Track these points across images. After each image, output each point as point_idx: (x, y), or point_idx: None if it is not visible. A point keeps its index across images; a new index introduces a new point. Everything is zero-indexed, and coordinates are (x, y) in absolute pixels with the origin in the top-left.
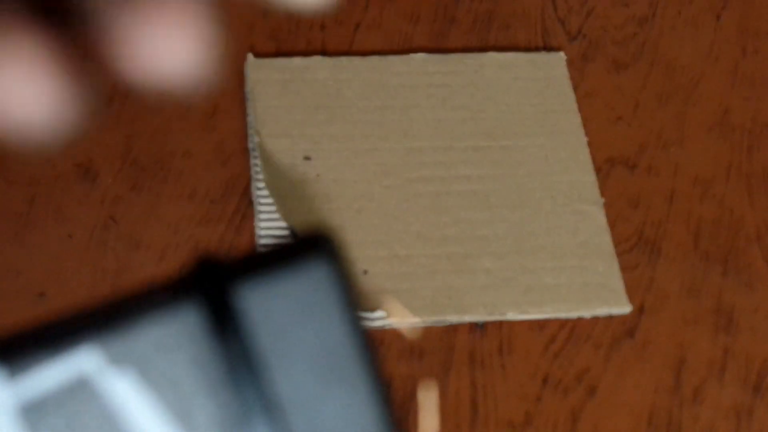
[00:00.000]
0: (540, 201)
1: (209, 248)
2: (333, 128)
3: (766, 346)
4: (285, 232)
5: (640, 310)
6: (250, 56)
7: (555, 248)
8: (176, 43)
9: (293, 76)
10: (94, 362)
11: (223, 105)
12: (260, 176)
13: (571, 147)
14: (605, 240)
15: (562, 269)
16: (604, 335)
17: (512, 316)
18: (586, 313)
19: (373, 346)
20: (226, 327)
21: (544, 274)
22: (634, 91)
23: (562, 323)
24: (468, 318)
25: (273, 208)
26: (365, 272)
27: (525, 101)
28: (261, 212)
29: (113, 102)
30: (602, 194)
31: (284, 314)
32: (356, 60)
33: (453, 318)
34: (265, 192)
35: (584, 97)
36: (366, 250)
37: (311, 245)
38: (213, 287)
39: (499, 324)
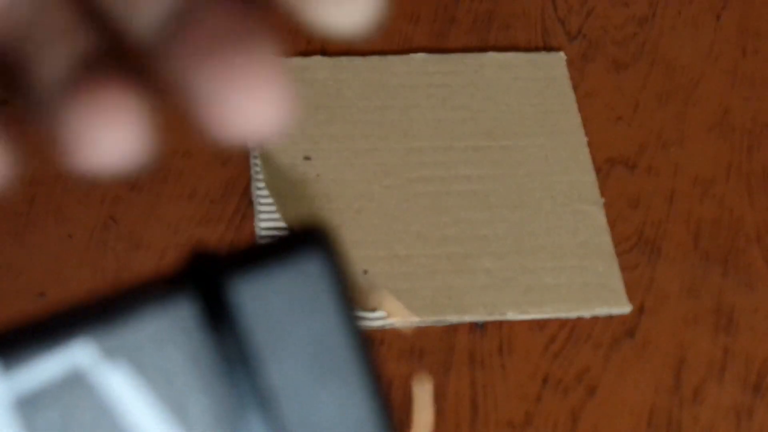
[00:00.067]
0: (540, 201)
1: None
2: (333, 128)
3: (766, 346)
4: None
5: (640, 310)
6: None
7: (555, 248)
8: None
9: (293, 76)
10: (89, 356)
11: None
12: (260, 176)
13: (571, 147)
14: (605, 240)
15: (562, 269)
16: (604, 335)
17: (512, 316)
18: (586, 313)
19: (367, 340)
20: (220, 320)
21: (544, 274)
22: (634, 91)
23: (562, 323)
24: (468, 318)
25: (273, 208)
26: (365, 272)
27: (525, 101)
28: (261, 212)
29: None
30: (602, 194)
31: (279, 308)
32: (356, 60)
33: (453, 318)
34: (265, 192)
35: (584, 97)
36: (366, 250)
37: (306, 239)
38: (207, 281)
39: (499, 324)
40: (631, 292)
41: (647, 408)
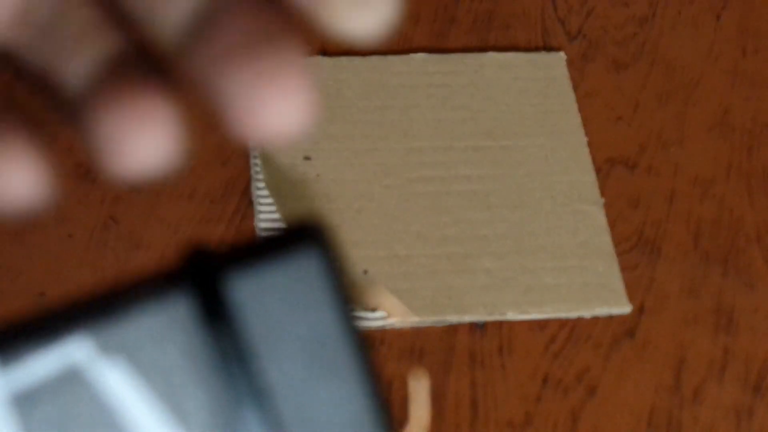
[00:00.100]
0: (540, 201)
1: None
2: (333, 128)
3: (766, 346)
4: None
5: (640, 310)
6: None
7: (555, 248)
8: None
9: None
10: (86, 352)
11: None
12: (260, 176)
13: (571, 147)
14: (605, 240)
15: (562, 269)
16: (604, 335)
17: (512, 316)
18: (586, 313)
19: (363, 336)
20: (217, 317)
21: (544, 274)
22: (634, 91)
23: (562, 323)
24: (468, 318)
25: (273, 208)
26: (365, 272)
27: (525, 101)
28: (261, 212)
29: None
30: (602, 194)
31: (275, 304)
32: (356, 60)
33: (453, 318)
34: (265, 192)
35: (584, 97)
36: (366, 250)
37: (303, 236)
38: (204, 277)
39: (499, 324)
40: (631, 292)
41: (647, 408)
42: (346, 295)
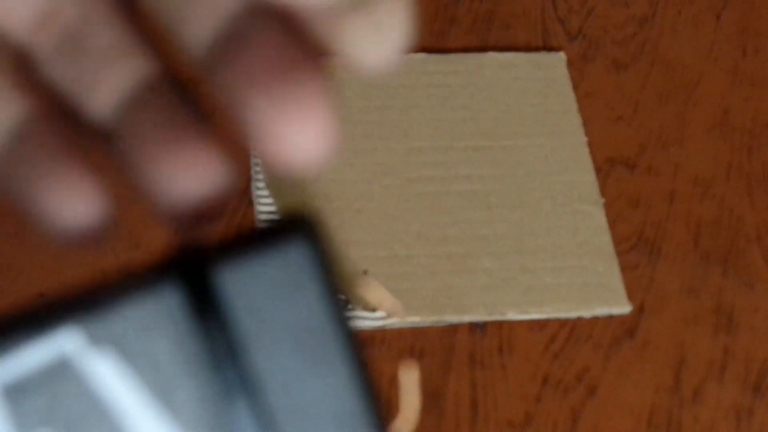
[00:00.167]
0: (540, 201)
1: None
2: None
3: (766, 346)
4: None
5: (640, 310)
6: None
7: (555, 248)
8: None
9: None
10: (76, 343)
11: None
12: (260, 176)
13: (571, 147)
14: (605, 240)
15: (562, 269)
16: (604, 335)
17: (512, 316)
18: (586, 313)
19: (353, 326)
20: (206, 308)
21: (544, 274)
22: (634, 91)
23: (562, 323)
24: (468, 318)
25: (273, 208)
26: (365, 272)
27: (525, 101)
28: (261, 212)
29: None
30: (602, 194)
31: (264, 295)
32: None
33: (453, 318)
34: (265, 192)
35: (584, 97)
36: (366, 250)
37: (292, 228)
38: (193, 269)
39: (499, 324)
40: (631, 292)
41: (647, 408)
42: (336, 286)
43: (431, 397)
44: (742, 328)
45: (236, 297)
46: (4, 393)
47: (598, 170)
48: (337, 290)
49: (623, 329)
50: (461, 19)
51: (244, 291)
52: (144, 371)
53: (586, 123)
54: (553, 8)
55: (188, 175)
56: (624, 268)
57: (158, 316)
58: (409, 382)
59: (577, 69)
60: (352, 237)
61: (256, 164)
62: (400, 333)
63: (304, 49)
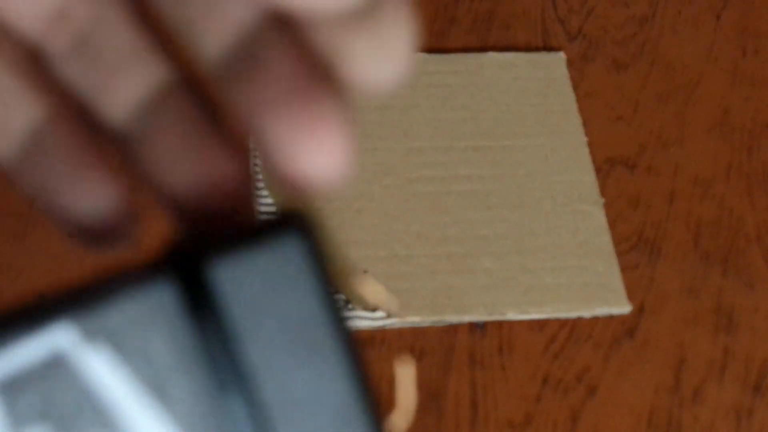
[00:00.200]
0: (540, 201)
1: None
2: None
3: (766, 346)
4: None
5: (640, 310)
6: None
7: (555, 248)
8: None
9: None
10: (69, 338)
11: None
12: (260, 176)
13: (571, 147)
14: (605, 240)
15: (562, 269)
16: (604, 335)
17: (512, 316)
18: (586, 313)
19: (348, 320)
20: (200, 303)
21: (544, 274)
22: (634, 91)
23: (562, 323)
24: (468, 318)
25: (273, 208)
26: (365, 272)
27: (525, 101)
28: (261, 212)
29: None
30: (602, 194)
31: (259, 289)
32: None
33: (453, 318)
34: (265, 192)
35: (584, 97)
36: (366, 250)
37: (286, 222)
38: (187, 263)
39: (499, 324)
40: (631, 292)
41: (647, 408)
42: (331, 280)
43: (431, 397)
44: (742, 328)
45: (231, 292)
46: None
47: (598, 170)
48: (332, 285)
49: (623, 329)
50: (461, 19)
51: (239, 286)
52: (138, 366)
53: (586, 123)
54: (553, 8)
55: (203, 183)
56: (624, 268)
57: (152, 311)
58: (405, 377)
59: (577, 69)
60: (352, 237)
61: (256, 164)
62: (400, 333)
63: (321, 66)
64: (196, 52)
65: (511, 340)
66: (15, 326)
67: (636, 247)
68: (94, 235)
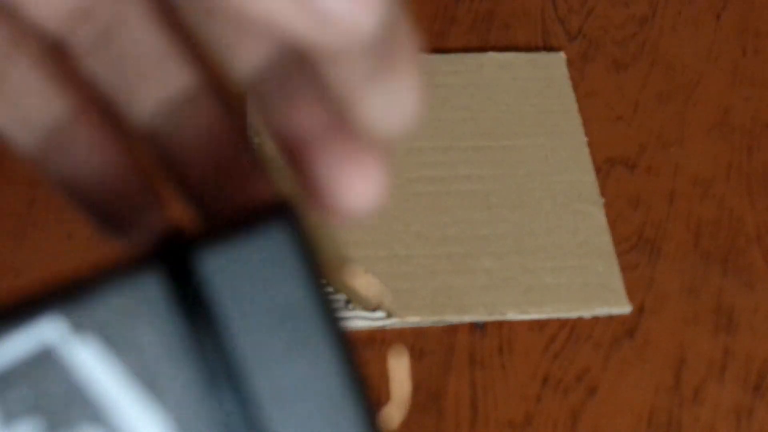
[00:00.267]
0: (540, 201)
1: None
2: None
3: (766, 346)
4: None
5: (640, 310)
6: None
7: (555, 248)
8: None
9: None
10: (58, 331)
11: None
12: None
13: (571, 147)
14: (605, 240)
15: (562, 269)
16: (604, 335)
17: (512, 316)
18: (586, 313)
19: (336, 310)
20: (188, 293)
21: (544, 274)
22: (634, 91)
23: (562, 323)
24: (468, 318)
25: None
26: (365, 272)
27: (525, 101)
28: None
29: None
30: (602, 194)
31: (247, 279)
32: None
33: (453, 318)
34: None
35: (584, 97)
36: (366, 250)
37: (274, 211)
38: (175, 254)
39: (499, 324)
40: (631, 292)
41: (647, 408)
42: (319, 270)
43: (431, 397)
44: (742, 328)
45: (219, 282)
46: None
47: (598, 170)
48: (320, 274)
49: (623, 329)
50: (461, 19)
51: (227, 276)
52: (128, 358)
53: (586, 123)
54: (553, 8)
55: (228, 189)
56: (624, 268)
57: (141, 303)
58: (399, 368)
59: (577, 69)
60: (352, 237)
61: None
62: (400, 333)
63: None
64: (227, 64)
65: (511, 340)
66: (3, 320)
67: (636, 247)
68: (114, 222)
